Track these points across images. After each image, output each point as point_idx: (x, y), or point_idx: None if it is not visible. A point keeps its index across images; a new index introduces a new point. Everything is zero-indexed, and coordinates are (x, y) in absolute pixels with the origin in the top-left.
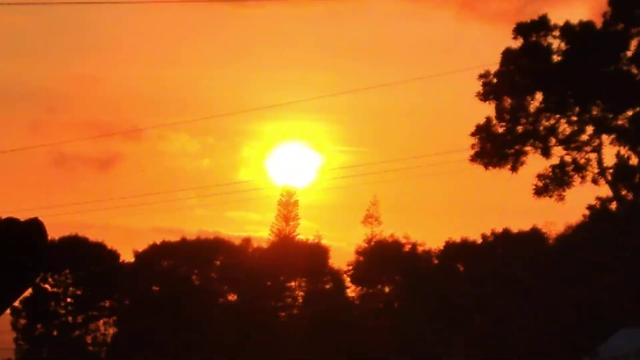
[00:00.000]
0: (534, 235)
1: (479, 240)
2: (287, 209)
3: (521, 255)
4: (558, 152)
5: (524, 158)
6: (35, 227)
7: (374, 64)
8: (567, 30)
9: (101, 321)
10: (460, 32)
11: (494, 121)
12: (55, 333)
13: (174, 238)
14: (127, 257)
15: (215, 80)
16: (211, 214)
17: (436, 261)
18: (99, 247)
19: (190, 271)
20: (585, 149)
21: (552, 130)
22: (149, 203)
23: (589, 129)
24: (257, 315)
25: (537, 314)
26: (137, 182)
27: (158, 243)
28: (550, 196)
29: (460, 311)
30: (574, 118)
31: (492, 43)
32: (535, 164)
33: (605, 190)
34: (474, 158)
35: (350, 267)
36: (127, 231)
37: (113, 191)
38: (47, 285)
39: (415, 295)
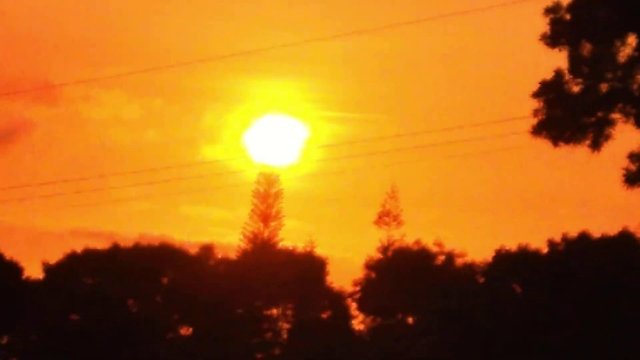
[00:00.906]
0: (623, 241)
1: (544, 249)
2: (266, 202)
3: (605, 268)
4: None
5: (610, 130)
6: None
7: None
8: None
9: None
10: None
11: (567, 76)
12: None
13: (101, 245)
14: (33, 271)
15: (163, 16)
16: (157, 210)
17: (482, 279)
18: None
19: (125, 293)
20: None
21: None
22: (67, 194)
23: None
24: (222, 357)
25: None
26: (50, 163)
27: (78, 252)
28: None
29: (518, 350)
30: None
31: None
32: (625, 138)
33: None
34: (538, 130)
35: (358, 288)
36: (35, 235)
37: (13, 176)
38: None
39: (452, 328)
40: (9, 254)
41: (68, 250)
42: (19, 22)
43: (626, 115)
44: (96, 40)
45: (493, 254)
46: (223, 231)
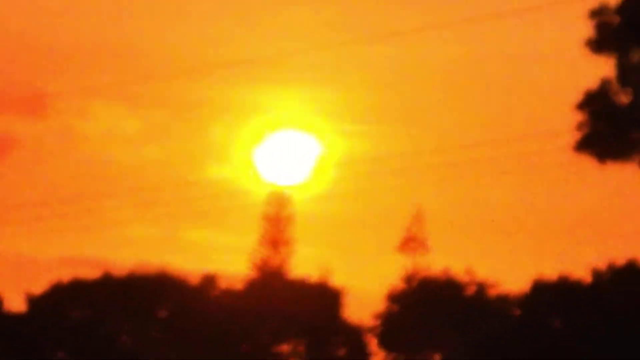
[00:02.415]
0: None
1: (588, 279)
2: (277, 226)
3: None
4: None
5: None
6: None
7: None
8: None
9: None
10: None
11: (615, 86)
12: None
13: (92, 274)
14: (15, 304)
15: (165, 21)
16: (157, 236)
17: (518, 312)
18: None
19: (118, 327)
20: None
21: None
22: (56, 217)
23: None
24: None
25: None
26: (37, 182)
27: (66, 282)
28: None
29: None
30: None
31: None
32: None
33: None
34: (582, 145)
35: (378, 322)
36: (18, 262)
37: None
38: None
39: None
40: None
41: (54, 280)
42: (4, 26)
43: None
44: (92, 46)
45: (530, 284)
46: (230, 258)
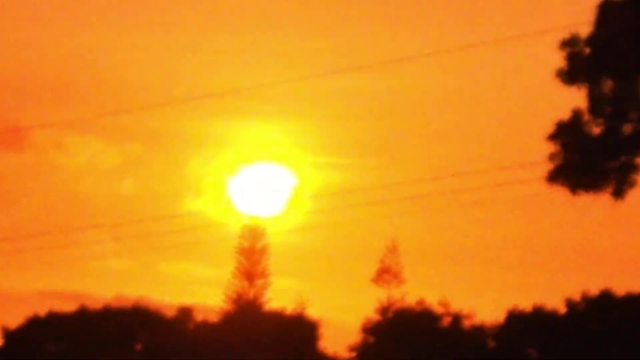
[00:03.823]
0: None
1: (562, 309)
2: (251, 258)
3: (630, 329)
4: None
5: (635, 176)
6: None
7: (381, 23)
8: None
9: None
10: None
11: (586, 116)
12: None
13: (68, 307)
14: None
15: (141, 53)
16: (134, 268)
17: (493, 343)
18: None
19: None
20: None
21: None
22: (32, 250)
23: None
24: None
25: None
26: (13, 215)
27: (42, 315)
28: None
29: None
30: None
31: None
32: None
33: None
34: (554, 176)
35: (354, 354)
36: None
37: None
38: None
39: None
40: None
41: (31, 314)
42: None
43: None
44: (67, 79)
45: (505, 314)
46: (207, 291)
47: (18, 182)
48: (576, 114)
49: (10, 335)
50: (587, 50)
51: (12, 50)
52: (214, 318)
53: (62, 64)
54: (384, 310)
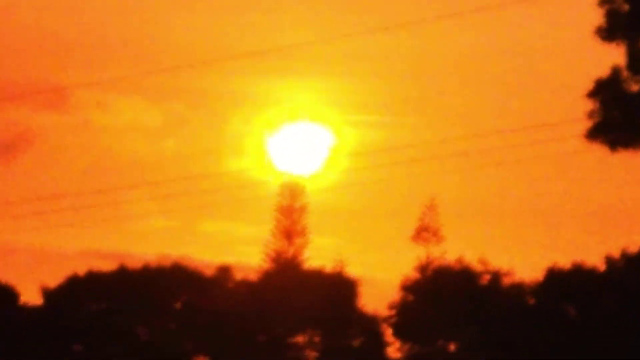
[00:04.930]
0: None
1: (602, 267)
2: (291, 217)
3: None
4: None
5: None
6: None
7: None
8: None
9: None
10: None
11: (625, 73)
12: None
13: (108, 267)
14: (31, 297)
15: (182, 13)
16: (176, 228)
17: (532, 300)
18: None
19: (134, 320)
20: None
21: None
22: (74, 209)
23: None
24: None
25: None
26: (56, 175)
27: (81, 275)
28: None
29: None
30: None
31: None
32: None
33: None
34: (593, 134)
35: (393, 312)
36: (34, 256)
37: (14, 190)
38: None
39: (499, 356)
40: (5, 277)
41: (71, 273)
42: (23, 19)
43: None
44: (110, 39)
45: (544, 272)
46: (249, 250)
47: (60, 142)
48: (615, 71)
49: (50, 294)
50: (626, 7)
51: (54, 10)
52: (253, 277)
53: (105, 23)
54: (422, 269)
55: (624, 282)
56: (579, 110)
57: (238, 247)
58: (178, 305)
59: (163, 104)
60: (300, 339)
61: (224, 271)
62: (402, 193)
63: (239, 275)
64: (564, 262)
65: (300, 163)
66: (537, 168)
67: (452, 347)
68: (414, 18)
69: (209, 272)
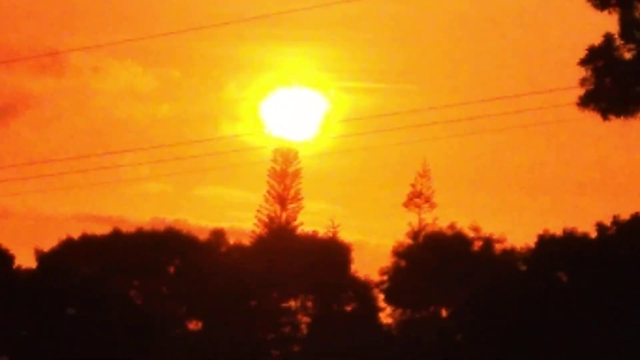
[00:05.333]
0: None
1: (593, 234)
2: (284, 182)
3: None
4: None
5: None
6: None
7: None
8: None
9: None
10: None
11: (618, 41)
12: None
13: (103, 230)
14: (25, 260)
15: None
16: (170, 192)
17: (524, 267)
18: None
19: (127, 283)
20: None
21: None
22: (69, 173)
23: None
24: (235, 354)
25: None
26: (52, 139)
27: (75, 238)
28: None
29: (563, 344)
30: None
31: None
32: None
33: None
34: (585, 101)
35: (385, 278)
36: (28, 219)
37: (10, 154)
38: None
39: (490, 322)
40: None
41: (64, 237)
42: None
43: None
44: (105, 3)
45: (536, 239)
46: (241, 214)
47: (56, 106)
48: (608, 39)
49: (44, 257)
50: None
51: None
52: (246, 241)
53: None
54: (415, 234)
55: (615, 249)
56: (572, 78)
57: (232, 212)
58: (171, 269)
59: (158, 69)
60: (292, 303)
61: (218, 236)
62: (395, 159)
63: (232, 240)
64: (556, 228)
65: (294, 129)
66: (530, 135)
67: (443, 312)
68: None
69: (202, 236)
